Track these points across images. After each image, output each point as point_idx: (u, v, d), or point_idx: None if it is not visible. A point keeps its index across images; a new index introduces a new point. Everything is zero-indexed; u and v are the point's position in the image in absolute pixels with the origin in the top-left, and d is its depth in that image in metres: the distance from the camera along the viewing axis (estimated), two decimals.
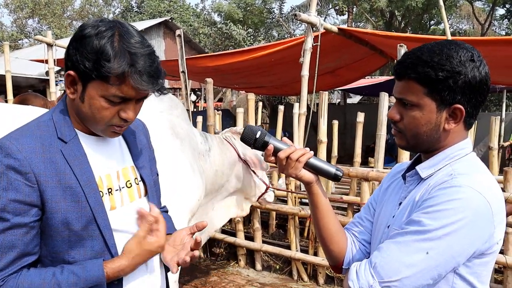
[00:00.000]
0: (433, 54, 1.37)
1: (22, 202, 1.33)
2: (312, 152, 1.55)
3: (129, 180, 1.56)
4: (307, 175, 1.55)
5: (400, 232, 1.36)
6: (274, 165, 1.71)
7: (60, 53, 7.30)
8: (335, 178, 1.56)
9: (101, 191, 1.45)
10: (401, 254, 1.32)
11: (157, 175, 1.76)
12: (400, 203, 1.52)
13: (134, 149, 1.63)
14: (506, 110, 12.89)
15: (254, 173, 4.14)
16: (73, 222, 1.38)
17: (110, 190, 1.49)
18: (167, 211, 1.90)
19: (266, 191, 4.31)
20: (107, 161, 1.51)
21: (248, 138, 1.57)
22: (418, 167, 1.50)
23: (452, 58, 1.35)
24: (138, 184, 1.59)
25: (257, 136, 1.55)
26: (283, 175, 5.84)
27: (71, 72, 1.38)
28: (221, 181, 3.89)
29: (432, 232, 1.29)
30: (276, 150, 1.54)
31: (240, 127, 4.51)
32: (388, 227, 1.51)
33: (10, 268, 1.33)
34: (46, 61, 7.99)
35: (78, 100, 1.41)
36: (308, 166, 1.54)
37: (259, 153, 4.13)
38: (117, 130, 1.46)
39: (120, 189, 1.52)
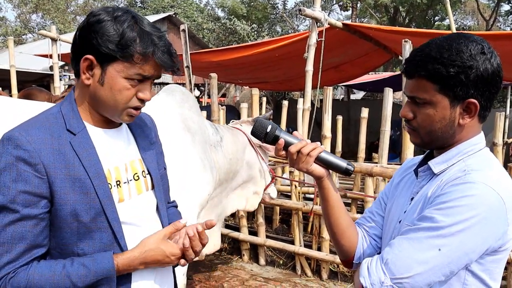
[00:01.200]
0: (442, 50, 1.34)
1: (32, 194, 1.34)
2: (323, 147, 1.54)
3: (136, 173, 1.57)
4: (318, 169, 1.54)
5: (412, 228, 1.35)
6: (281, 159, 1.70)
7: (64, 48, 7.31)
8: (346, 172, 1.55)
9: (109, 183, 1.46)
10: (413, 251, 1.31)
11: (165, 169, 1.76)
12: (412, 198, 1.51)
13: (141, 142, 1.64)
14: (510, 107, 12.81)
15: (263, 159, 4.18)
16: (82, 213, 1.39)
17: (118, 183, 1.50)
18: (176, 206, 1.91)
19: (272, 181, 4.35)
20: (115, 153, 1.52)
21: (259, 132, 1.56)
22: (430, 162, 1.48)
23: (462, 52, 1.33)
24: (145, 177, 1.60)
25: (268, 130, 1.55)
26: (287, 170, 5.84)
27: (89, 56, 1.41)
28: (236, 168, 3.91)
29: (445, 229, 1.28)
30: (287, 144, 1.53)
31: (252, 117, 4.53)
32: (399, 222, 1.50)
33: (21, 260, 1.34)
34: (51, 56, 8.00)
35: (96, 84, 1.44)
36: (319, 161, 1.53)
37: None
38: (134, 113, 1.50)
39: (128, 182, 1.53)
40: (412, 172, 1.61)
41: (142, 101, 1.49)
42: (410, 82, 1.43)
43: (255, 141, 4.06)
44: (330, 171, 1.57)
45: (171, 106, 3.30)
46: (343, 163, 1.55)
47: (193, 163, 3.23)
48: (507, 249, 1.36)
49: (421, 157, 1.61)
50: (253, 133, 1.58)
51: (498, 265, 1.38)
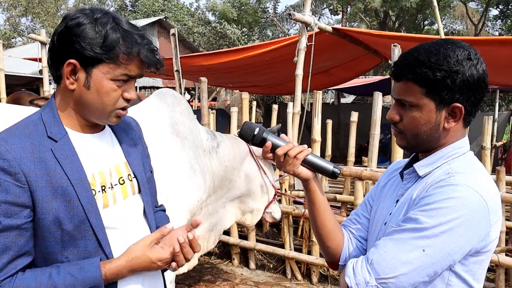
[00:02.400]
0: (430, 54, 1.37)
1: (13, 204, 1.31)
2: (310, 149, 1.56)
3: (122, 177, 1.55)
4: (305, 172, 1.55)
5: (397, 229, 1.37)
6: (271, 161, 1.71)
7: None
8: (332, 175, 1.56)
9: (93, 189, 1.44)
10: (397, 251, 1.33)
11: (151, 172, 1.75)
12: (397, 201, 1.53)
13: (126, 146, 1.63)
14: (498, 110, 12.94)
15: (266, 174, 4.04)
16: (65, 221, 1.37)
17: (103, 188, 1.48)
18: (164, 210, 1.89)
19: (274, 198, 4.16)
20: (99, 158, 1.50)
21: (246, 135, 1.57)
22: (416, 165, 1.51)
23: (449, 57, 1.36)
24: (131, 180, 1.59)
25: (255, 132, 1.56)
26: (277, 175, 5.84)
27: (73, 61, 1.39)
28: (232, 176, 3.82)
29: (428, 230, 1.30)
30: (274, 147, 1.55)
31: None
32: (385, 224, 1.52)
33: (5, 271, 1.31)
34: (40, 60, 7.94)
35: (82, 89, 1.42)
36: (306, 163, 1.54)
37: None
38: (122, 114, 1.50)
39: (112, 187, 1.51)
40: (397, 174, 1.63)
41: (128, 101, 1.49)
42: (397, 85, 1.45)
43: (258, 153, 3.93)
44: (318, 174, 1.57)
45: (161, 110, 3.27)
46: (329, 166, 1.56)
47: (181, 167, 3.20)
48: (489, 251, 1.39)
49: (406, 160, 1.63)
50: (240, 135, 1.59)
51: (481, 266, 1.40)
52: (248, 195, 4.03)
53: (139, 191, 1.62)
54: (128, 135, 1.67)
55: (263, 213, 4.20)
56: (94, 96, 1.43)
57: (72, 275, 1.35)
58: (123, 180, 1.56)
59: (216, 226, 3.91)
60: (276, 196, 4.23)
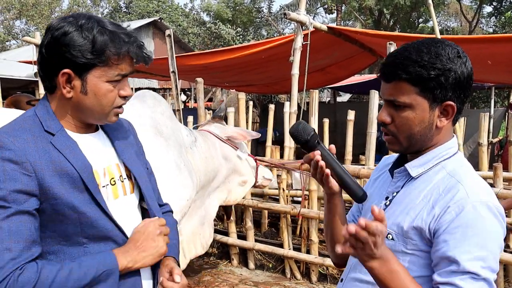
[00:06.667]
0: (422, 53, 1.37)
1: (22, 192, 1.33)
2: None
3: (113, 178, 1.57)
4: (335, 186, 1.55)
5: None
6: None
7: None
8: (359, 196, 1.55)
9: None
10: None
11: (148, 169, 1.77)
12: (387, 197, 1.54)
13: (118, 146, 1.64)
14: (494, 107, 12.98)
15: (237, 148, 4.20)
16: (77, 205, 1.40)
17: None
18: (170, 211, 1.90)
19: (257, 165, 4.38)
20: (93, 158, 1.52)
21: (299, 135, 1.54)
22: (408, 165, 1.51)
23: (441, 55, 1.37)
24: (123, 182, 1.60)
25: (309, 137, 1.54)
26: (274, 174, 5.85)
27: (67, 70, 1.41)
28: (213, 165, 3.91)
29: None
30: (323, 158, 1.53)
31: (214, 119, 4.46)
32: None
33: (23, 257, 1.31)
34: (35, 62, 7.90)
35: (79, 95, 1.45)
36: (337, 177, 1.54)
37: (239, 129, 4.26)
38: (120, 112, 1.54)
39: (105, 187, 1.54)
40: (387, 171, 1.64)
41: (125, 98, 1.53)
42: (388, 86, 1.44)
43: (221, 135, 4.11)
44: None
45: (142, 112, 3.30)
46: (359, 190, 1.55)
47: (168, 168, 3.22)
48: None
49: (396, 155, 1.63)
50: (292, 133, 1.56)
51: None
52: (232, 174, 4.19)
53: (132, 192, 1.64)
54: (121, 135, 1.68)
55: (255, 182, 4.41)
56: (92, 100, 1.46)
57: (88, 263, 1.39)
58: (114, 181, 1.57)
59: (206, 217, 4.00)
60: (258, 162, 4.43)
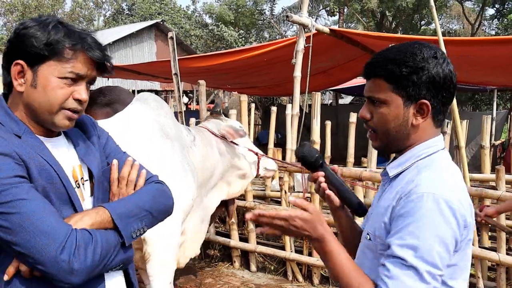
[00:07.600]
0: (398, 53, 1.44)
1: (22, 177, 1.34)
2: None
3: (77, 181, 1.56)
4: (336, 202, 1.68)
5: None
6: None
7: None
8: (357, 211, 1.68)
9: None
10: None
11: (108, 164, 1.68)
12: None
13: (80, 147, 1.61)
14: (497, 109, 12.97)
15: (236, 144, 4.18)
16: (52, 198, 1.41)
17: None
18: (156, 181, 1.81)
19: (259, 158, 4.33)
20: (59, 160, 1.50)
21: (305, 157, 1.69)
22: (387, 167, 1.56)
23: (415, 55, 1.42)
24: (83, 184, 1.58)
25: (313, 160, 1.68)
26: (276, 177, 5.85)
27: (19, 61, 1.42)
28: (209, 163, 3.91)
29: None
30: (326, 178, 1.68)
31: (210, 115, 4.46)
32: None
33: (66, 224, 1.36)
34: None
35: (29, 88, 1.43)
36: (339, 195, 1.68)
37: (233, 123, 4.23)
38: (71, 116, 1.48)
39: (74, 188, 1.52)
40: None
41: (80, 103, 1.48)
42: (368, 83, 1.53)
43: (217, 132, 4.10)
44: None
45: (147, 114, 3.30)
46: (359, 206, 1.68)
47: (174, 170, 3.22)
48: (457, 251, 1.39)
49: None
50: (303, 156, 1.70)
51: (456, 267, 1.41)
52: (229, 168, 4.18)
53: (91, 195, 1.61)
54: (82, 135, 1.65)
55: (257, 172, 4.37)
56: (41, 94, 1.43)
57: None
58: (78, 184, 1.56)
59: (205, 214, 3.99)
60: (260, 155, 4.37)
